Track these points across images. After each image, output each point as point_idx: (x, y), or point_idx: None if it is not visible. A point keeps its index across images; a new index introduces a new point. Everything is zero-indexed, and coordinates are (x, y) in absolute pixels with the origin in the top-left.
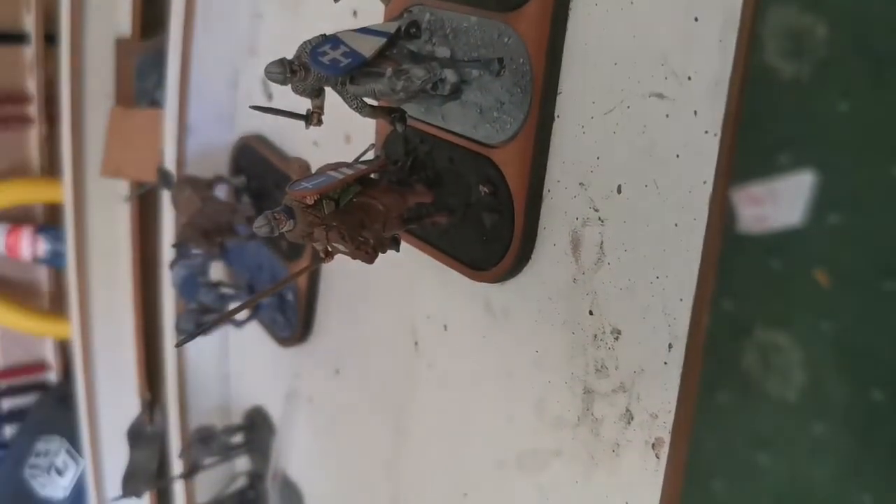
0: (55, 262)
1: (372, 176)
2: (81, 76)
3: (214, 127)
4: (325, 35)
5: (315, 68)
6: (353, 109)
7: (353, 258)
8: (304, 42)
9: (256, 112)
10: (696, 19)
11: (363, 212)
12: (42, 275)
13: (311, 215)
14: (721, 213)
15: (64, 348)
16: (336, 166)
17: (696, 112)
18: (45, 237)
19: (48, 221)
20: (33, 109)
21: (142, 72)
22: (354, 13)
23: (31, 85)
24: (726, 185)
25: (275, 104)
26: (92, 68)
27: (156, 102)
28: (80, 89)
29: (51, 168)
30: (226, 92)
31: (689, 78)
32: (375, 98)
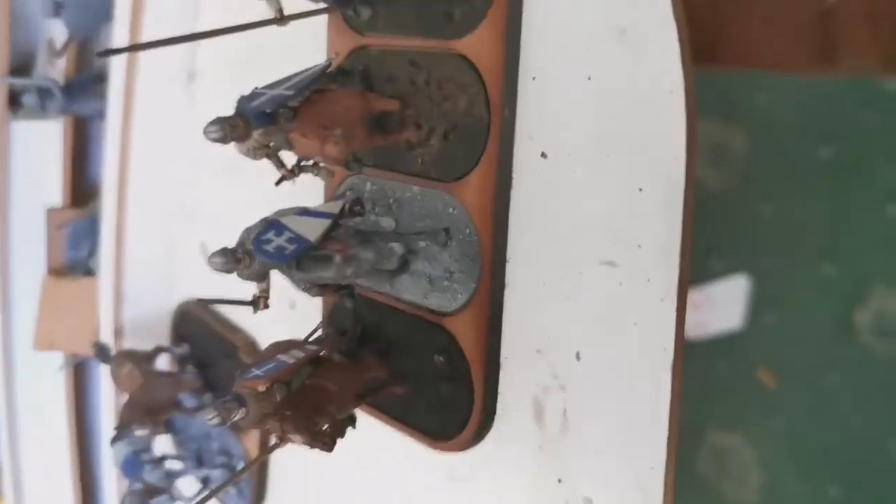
0: None
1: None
2: (8, 247)
3: (152, 294)
4: (267, 220)
5: (260, 257)
6: (301, 291)
7: (311, 448)
8: (246, 229)
9: (195, 276)
10: (640, 189)
11: (316, 395)
12: None
13: (263, 402)
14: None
15: None
16: (286, 348)
17: (649, 280)
18: None
19: None
20: None
21: (74, 241)
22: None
23: None
24: (682, 355)
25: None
26: (20, 238)
27: (90, 271)
28: (7, 260)
29: None
30: (163, 259)
31: (639, 246)
32: (324, 282)
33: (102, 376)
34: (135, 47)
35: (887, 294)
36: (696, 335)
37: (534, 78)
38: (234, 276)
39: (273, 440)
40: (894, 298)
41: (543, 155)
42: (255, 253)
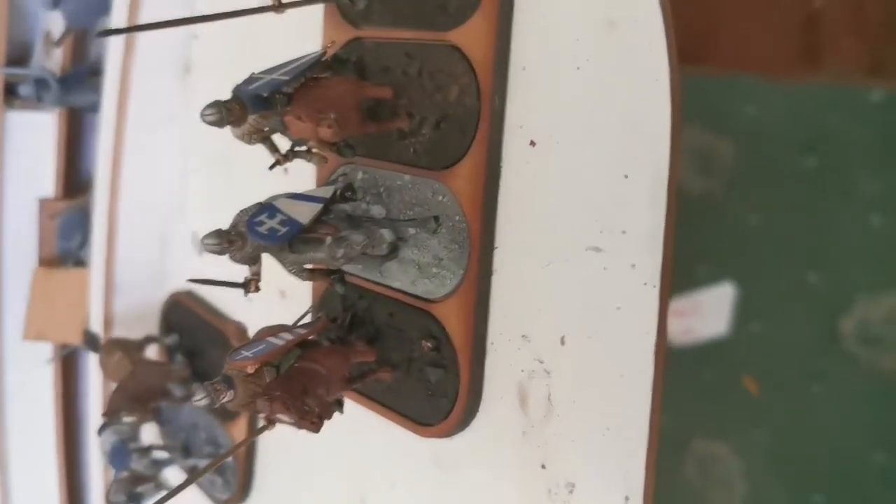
0: None
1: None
2: (1, 237)
3: (142, 285)
4: (261, 203)
5: (253, 239)
6: (292, 274)
7: (299, 428)
8: (241, 211)
9: (186, 268)
10: (625, 176)
11: (305, 377)
12: None
13: (252, 385)
14: (664, 363)
15: None
16: (275, 331)
17: (633, 265)
18: None
19: None
20: None
21: (66, 231)
22: (286, 170)
23: None
24: (665, 338)
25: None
26: (12, 228)
27: (80, 262)
28: (0, 250)
29: None
30: (154, 250)
31: (624, 232)
32: (315, 262)
33: (91, 367)
34: (134, 28)
35: (871, 302)
36: (682, 342)
37: (524, 68)
38: (225, 263)
39: (261, 422)
40: (878, 307)
41: (532, 143)
42: (248, 234)
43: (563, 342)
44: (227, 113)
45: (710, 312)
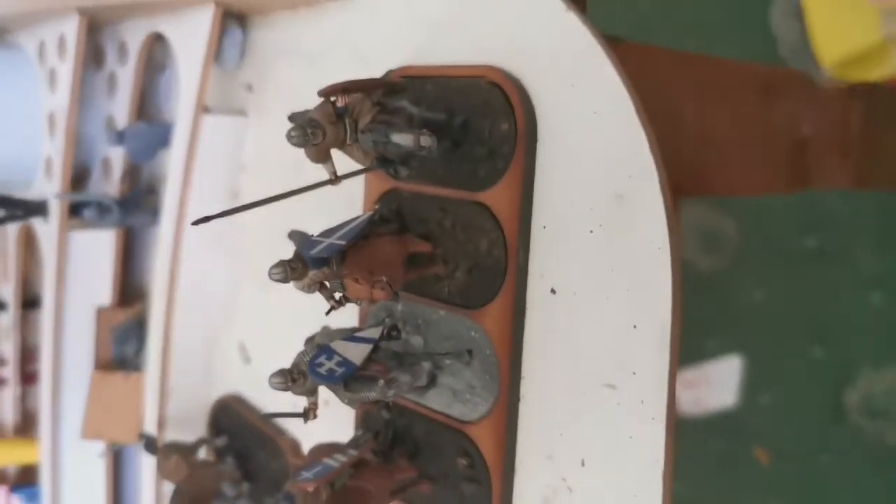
0: None
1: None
2: (61, 342)
3: (192, 390)
4: (319, 345)
5: (314, 380)
6: (346, 404)
7: None
8: (301, 352)
9: (232, 373)
10: (634, 326)
11: (358, 495)
12: None
13: (311, 501)
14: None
15: None
16: (329, 451)
17: (642, 402)
18: (19, 497)
19: (21, 481)
20: (8, 371)
21: (121, 338)
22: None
23: (7, 348)
24: (672, 465)
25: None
26: (72, 334)
27: (135, 367)
28: (60, 354)
29: (24, 428)
30: (204, 357)
31: (635, 373)
32: (368, 401)
33: (140, 463)
34: (224, 214)
35: (874, 376)
36: (692, 412)
37: (544, 227)
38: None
39: None
40: (880, 380)
41: (553, 291)
42: (309, 375)
43: (583, 464)
44: (291, 271)
45: (718, 384)
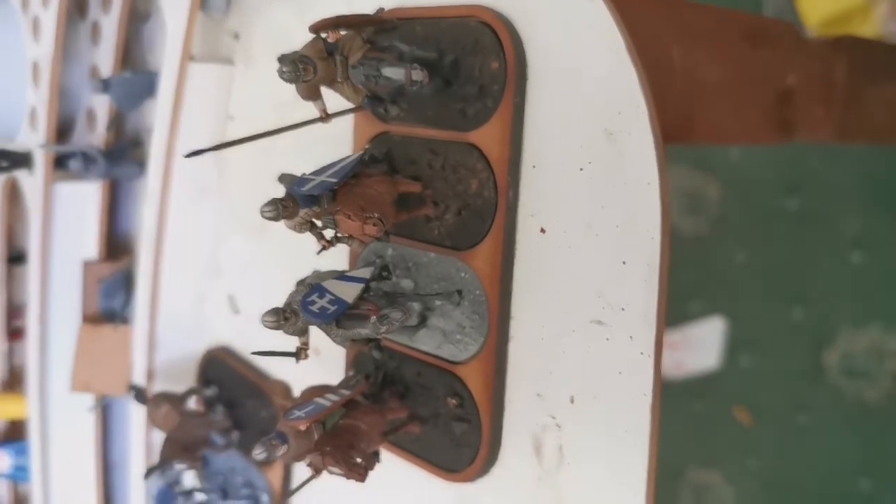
0: (18, 476)
1: None
2: (48, 296)
3: (181, 341)
4: (311, 284)
5: (306, 317)
6: (338, 344)
7: (348, 479)
8: (293, 292)
9: (221, 324)
10: (623, 262)
11: (350, 434)
12: (2, 489)
13: (303, 440)
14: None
15: None
16: (321, 392)
17: (631, 337)
18: (7, 452)
19: (9, 436)
20: None
21: (108, 291)
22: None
23: None
24: (660, 399)
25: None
26: (59, 288)
27: (123, 320)
28: (47, 309)
29: (11, 383)
30: (192, 308)
31: (623, 309)
32: (360, 337)
33: (129, 415)
34: (217, 147)
35: (853, 336)
36: (675, 375)
37: (534, 166)
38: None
39: (310, 472)
40: (860, 340)
41: (542, 230)
42: (301, 312)
43: (572, 401)
44: (282, 209)
45: (701, 346)
